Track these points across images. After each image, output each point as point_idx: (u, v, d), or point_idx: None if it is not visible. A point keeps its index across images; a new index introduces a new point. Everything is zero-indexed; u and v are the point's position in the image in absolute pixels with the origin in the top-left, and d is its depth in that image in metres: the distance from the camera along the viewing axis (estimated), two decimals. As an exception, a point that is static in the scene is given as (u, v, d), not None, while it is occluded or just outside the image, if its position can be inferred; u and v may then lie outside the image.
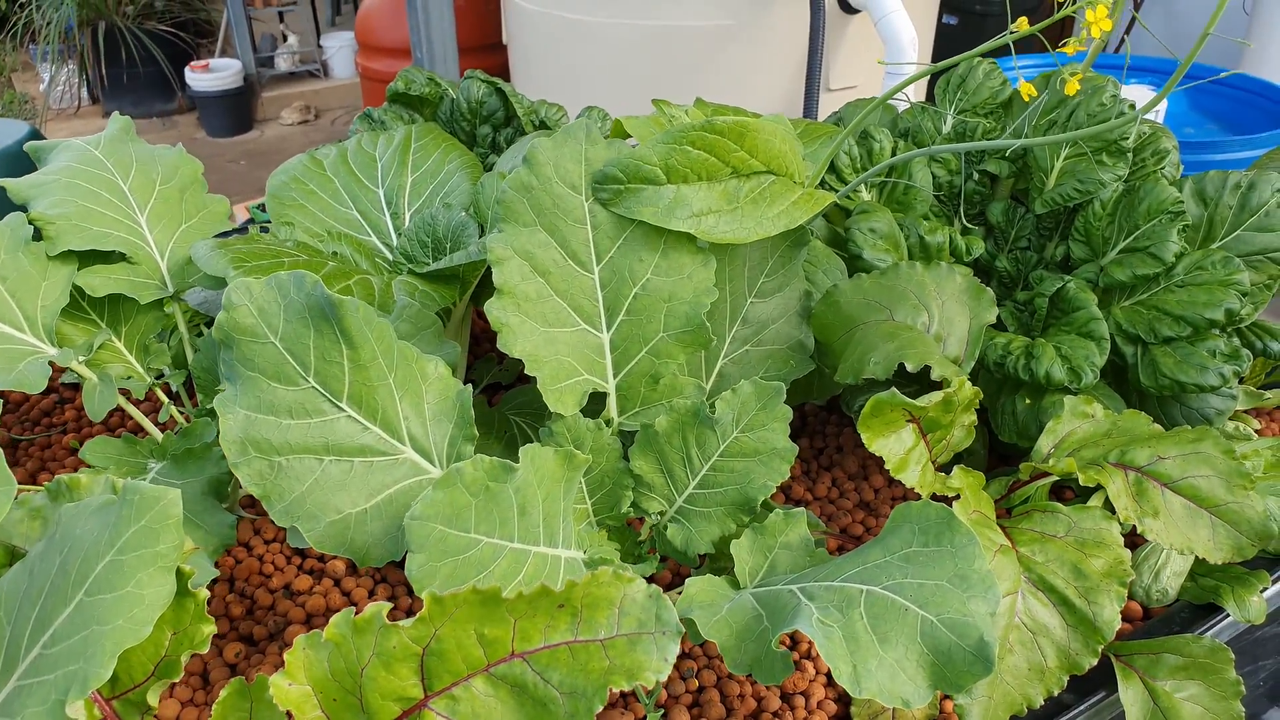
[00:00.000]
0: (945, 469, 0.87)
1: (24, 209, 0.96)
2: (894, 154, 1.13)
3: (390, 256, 1.22)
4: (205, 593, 0.58)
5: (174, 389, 1.03)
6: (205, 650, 0.58)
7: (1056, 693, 0.71)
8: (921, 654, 0.63)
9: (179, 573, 0.57)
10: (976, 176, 1.15)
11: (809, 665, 0.90)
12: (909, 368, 0.77)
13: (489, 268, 1.16)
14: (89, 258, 0.96)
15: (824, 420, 1.21)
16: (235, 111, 5.83)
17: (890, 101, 1.18)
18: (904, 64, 2.41)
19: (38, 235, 0.94)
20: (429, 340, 0.89)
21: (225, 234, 1.11)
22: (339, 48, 6.63)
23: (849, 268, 0.98)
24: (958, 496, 0.76)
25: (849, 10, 2.58)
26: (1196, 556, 0.89)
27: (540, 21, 2.78)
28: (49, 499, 0.66)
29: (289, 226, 1.18)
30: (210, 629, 0.58)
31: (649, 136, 0.84)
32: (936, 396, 0.74)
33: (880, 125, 1.18)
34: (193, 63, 5.99)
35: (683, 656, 0.91)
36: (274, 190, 1.22)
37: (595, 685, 0.54)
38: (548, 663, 0.56)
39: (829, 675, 0.90)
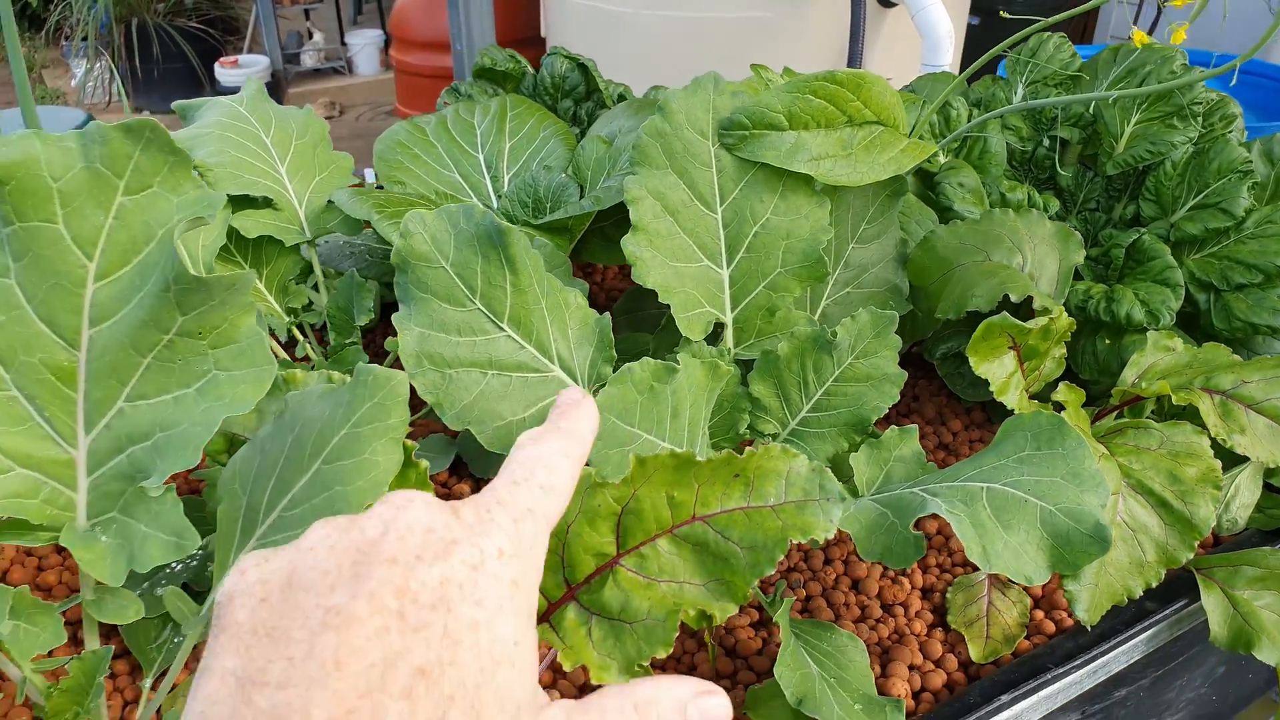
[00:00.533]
0: (1037, 398, 0.95)
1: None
2: (969, 120, 1.21)
3: (492, 216, 1.30)
4: (426, 464, 0.66)
5: (306, 330, 1.11)
6: (427, 513, 0.66)
7: (1154, 584, 0.79)
8: (1041, 538, 0.71)
9: (404, 445, 0.65)
10: (1047, 143, 1.23)
11: (905, 580, 0.98)
12: (1013, 298, 0.85)
13: (590, 225, 1.25)
14: (240, 203, 1.04)
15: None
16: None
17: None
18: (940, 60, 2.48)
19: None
20: (561, 276, 0.97)
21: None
22: (363, 45, 6.73)
23: (940, 220, 1.06)
24: (1060, 410, 0.84)
25: (886, 4, 2.65)
26: (1264, 489, 0.97)
27: (579, 13, 2.85)
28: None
29: (400, 185, 1.27)
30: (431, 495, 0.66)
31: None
32: (1041, 321, 0.82)
33: (954, 94, 1.26)
34: (222, 58, 6.09)
35: (791, 569, 0.99)
36: (380, 154, 1.30)
37: (774, 539, 0.62)
38: (726, 524, 0.64)
39: (924, 590, 0.98)
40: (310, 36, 6.80)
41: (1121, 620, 0.89)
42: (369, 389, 0.64)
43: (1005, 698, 0.82)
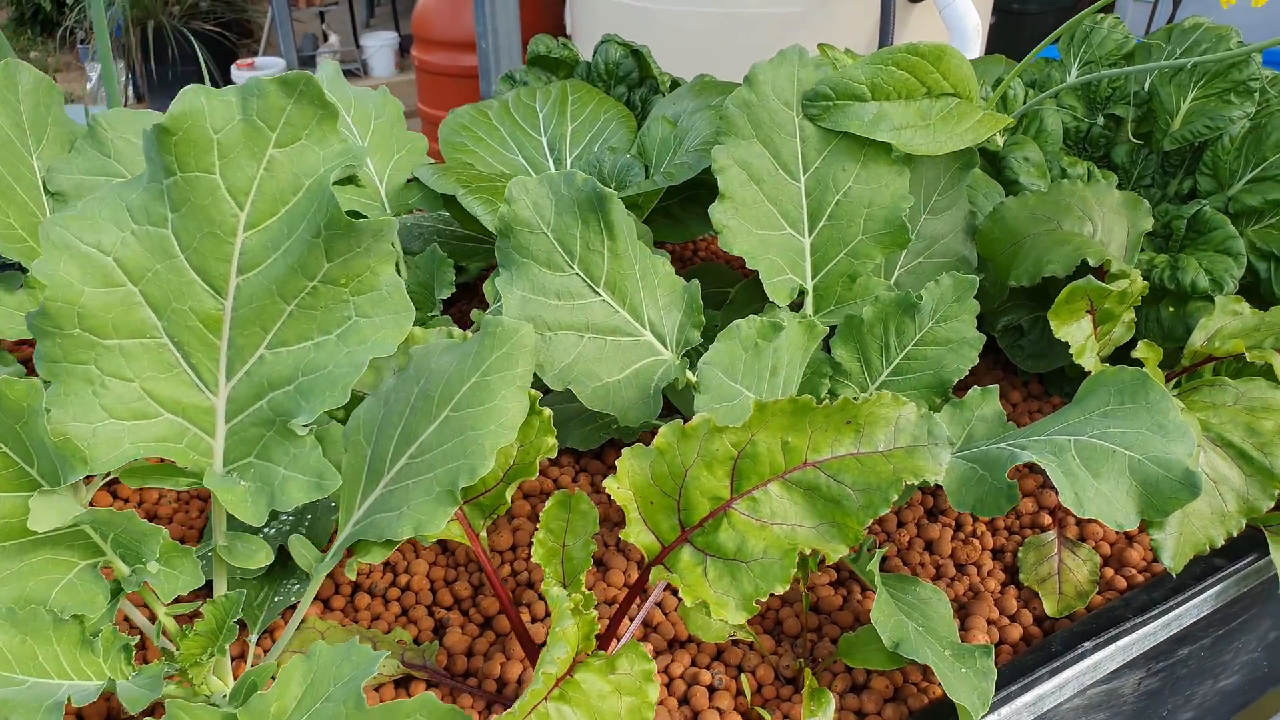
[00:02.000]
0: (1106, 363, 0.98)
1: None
2: (1025, 100, 1.24)
3: (555, 197, 1.33)
4: (549, 411, 0.69)
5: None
6: (553, 456, 0.69)
7: (1235, 534, 0.82)
8: (1130, 485, 0.74)
9: (529, 394, 0.68)
10: (1102, 121, 1.25)
11: (975, 541, 1.01)
12: (1091, 263, 0.87)
13: (658, 202, 1.28)
14: (325, 179, 1.07)
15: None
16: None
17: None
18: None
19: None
20: (645, 245, 1.00)
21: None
22: (378, 47, 6.75)
23: (1006, 193, 1.09)
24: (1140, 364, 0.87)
25: (915, -2, 2.68)
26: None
27: (604, 9, 2.87)
28: (380, 350, 0.77)
29: (466, 167, 1.30)
30: (553, 441, 0.70)
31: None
32: (1121, 283, 0.84)
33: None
34: (239, 61, 6.13)
35: (870, 531, 1.01)
36: (445, 136, 1.33)
37: (887, 481, 0.65)
38: (838, 468, 0.67)
39: (994, 551, 1.00)
40: (325, 39, 6.83)
41: (1192, 575, 0.92)
42: (497, 339, 0.67)
43: (1088, 644, 0.84)
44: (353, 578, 0.69)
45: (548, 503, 0.71)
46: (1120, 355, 1.00)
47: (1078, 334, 0.88)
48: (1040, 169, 1.09)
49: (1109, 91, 1.24)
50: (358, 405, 0.74)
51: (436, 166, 1.06)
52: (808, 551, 0.66)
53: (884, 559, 0.98)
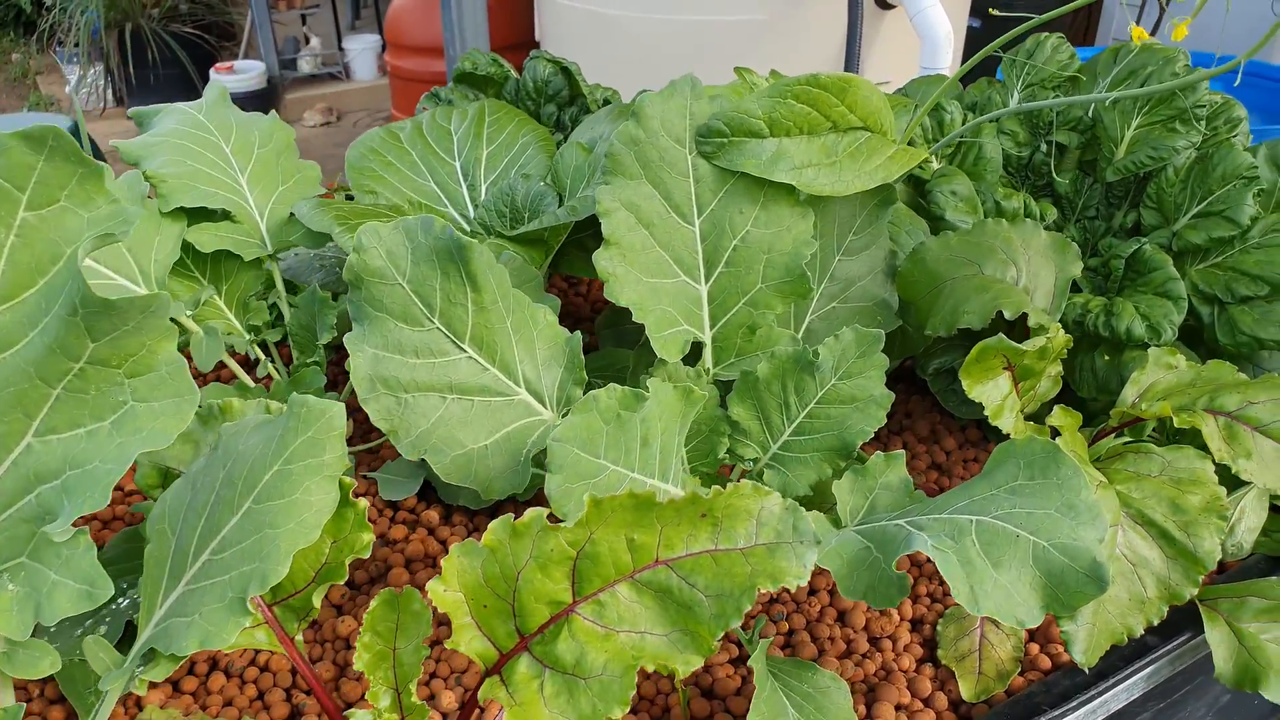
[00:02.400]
0: (1032, 419, 0.90)
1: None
2: (963, 124, 1.16)
3: (468, 227, 1.26)
4: (365, 503, 0.61)
5: (269, 346, 1.06)
6: (366, 556, 0.61)
7: (1156, 622, 0.74)
8: (1034, 577, 0.66)
9: (340, 484, 0.60)
10: (1044, 148, 1.18)
11: (893, 612, 0.93)
12: (1006, 315, 0.80)
13: (568, 235, 1.20)
14: (196, 215, 0.99)
15: (891, 386, 1.23)
16: (259, 113, 5.88)
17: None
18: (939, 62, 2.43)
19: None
20: (531, 293, 0.92)
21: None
22: (360, 50, 6.68)
23: (931, 229, 1.01)
24: (1055, 435, 0.79)
25: (885, 6, 2.61)
26: (1269, 511, 0.92)
27: (573, 17, 2.81)
28: (199, 423, 0.69)
29: (372, 195, 1.22)
30: (370, 537, 0.62)
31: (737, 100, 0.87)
32: (1038, 341, 0.77)
33: (948, 97, 1.21)
34: (218, 64, 6.05)
35: (773, 601, 0.93)
36: (353, 161, 1.26)
37: (741, 587, 0.57)
38: (691, 569, 0.59)
39: (914, 621, 0.93)
40: (307, 41, 6.76)
41: (1120, 656, 0.84)
42: (302, 422, 0.59)
43: (1000, 741, 0.77)
44: (143, 693, 0.61)
45: (373, 602, 0.63)
46: (1050, 409, 0.92)
47: (993, 393, 0.80)
48: (970, 203, 1.02)
49: (1051, 116, 1.16)
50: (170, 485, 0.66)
51: (316, 201, 0.98)
52: (652, 667, 0.58)
53: (790, 632, 0.91)
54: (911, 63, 2.54)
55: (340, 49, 6.77)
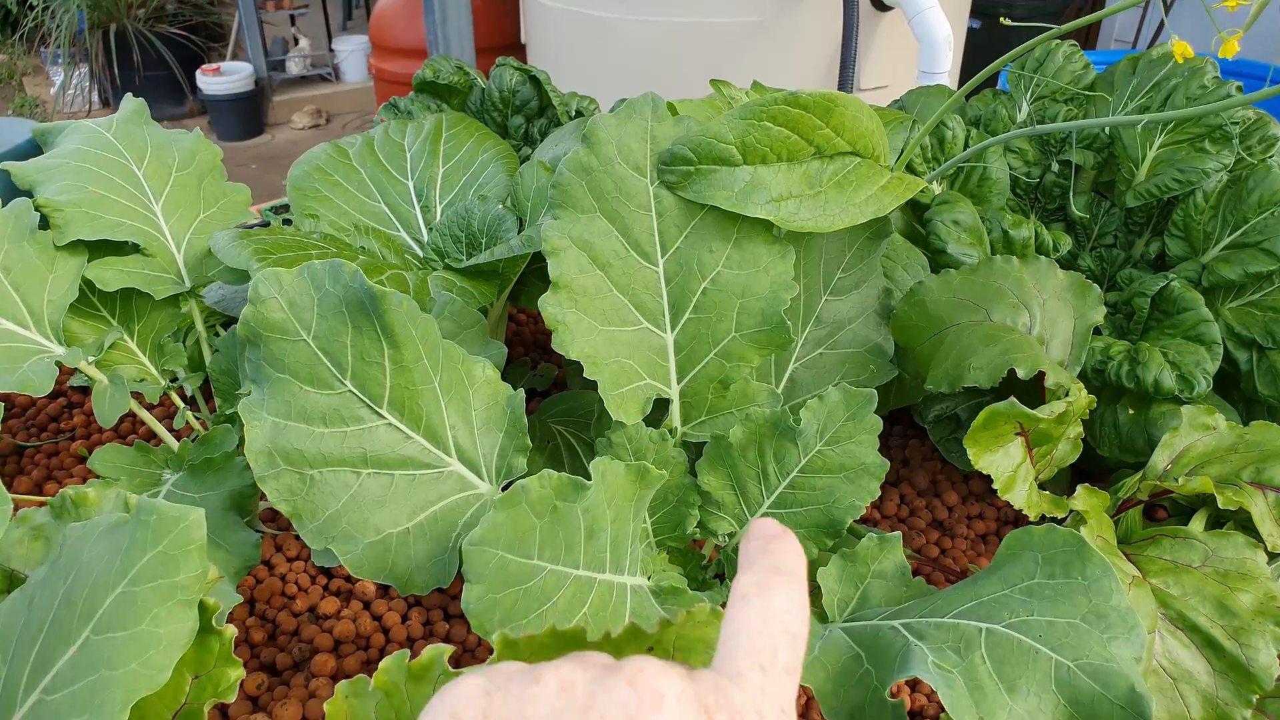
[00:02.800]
0: (1044, 487, 0.78)
1: (29, 196, 0.88)
2: (967, 143, 1.04)
3: (421, 253, 1.14)
4: (232, 630, 0.49)
5: (190, 393, 0.95)
6: (232, 699, 0.49)
7: (1200, 746, 0.62)
8: (1058, 705, 0.55)
9: (202, 606, 0.49)
10: (1056, 168, 1.06)
11: None
12: (1020, 374, 0.68)
13: (529, 265, 1.09)
14: (100, 249, 0.87)
15: (886, 431, 1.12)
16: (246, 115, 5.78)
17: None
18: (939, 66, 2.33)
19: (44, 223, 0.86)
20: (473, 340, 0.81)
21: (247, 227, 1.03)
22: (351, 51, 6.58)
23: (931, 263, 0.90)
24: (1068, 516, 0.68)
25: (881, 8, 2.50)
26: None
27: (561, 19, 2.70)
28: (52, 516, 0.57)
29: (313, 219, 1.10)
30: (238, 673, 0.50)
31: (707, 120, 0.76)
32: (1058, 407, 0.65)
33: (950, 112, 1.10)
34: (204, 66, 5.95)
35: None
36: (295, 181, 1.14)
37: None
38: (636, 717, 0.47)
39: (912, 714, 0.81)
40: (296, 43, 6.65)
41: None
42: (152, 533, 0.47)
43: None
44: None
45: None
46: (1068, 474, 0.81)
47: (1003, 464, 0.69)
48: (974, 233, 0.90)
49: (1063, 133, 1.05)
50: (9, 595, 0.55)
51: (235, 232, 0.87)
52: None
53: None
54: (909, 67, 2.43)
55: (330, 50, 6.67)
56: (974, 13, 4.29)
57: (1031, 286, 0.79)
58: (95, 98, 6.30)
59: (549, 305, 0.73)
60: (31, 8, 6.08)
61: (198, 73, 5.86)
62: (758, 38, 2.49)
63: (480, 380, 0.72)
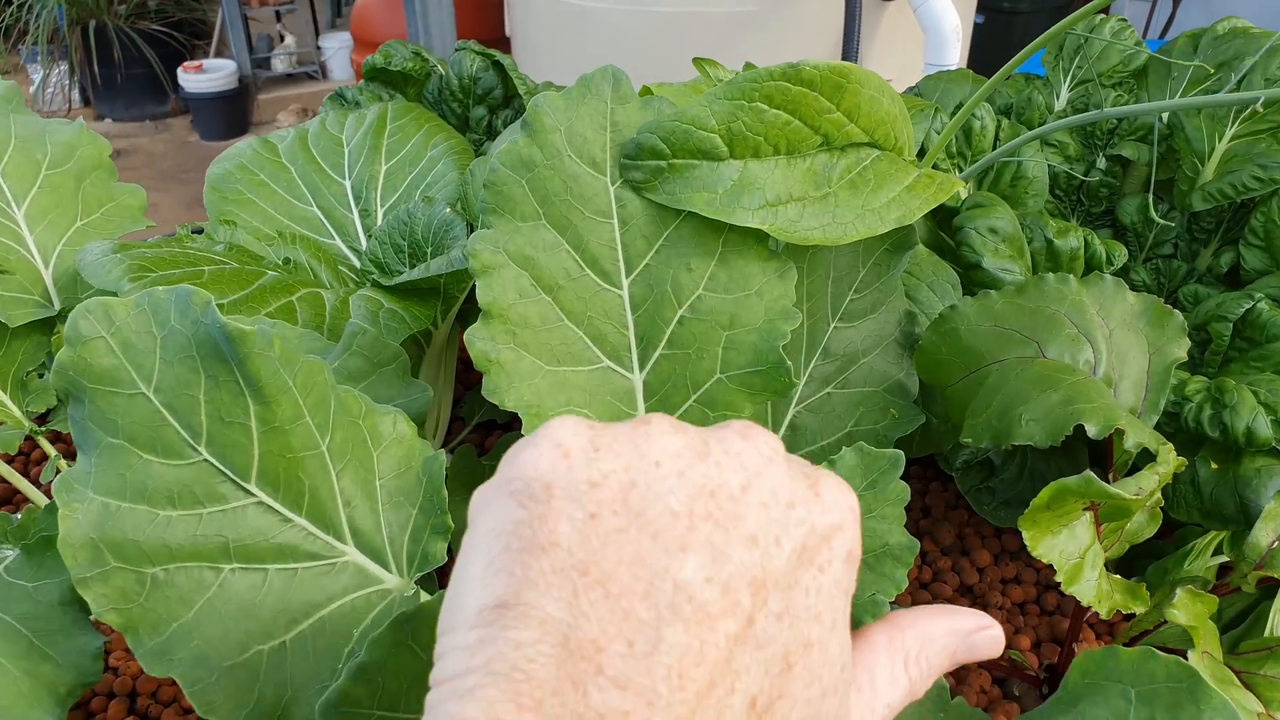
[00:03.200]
0: (1110, 566, 0.62)
1: None
2: (998, 136, 0.88)
3: (358, 264, 0.98)
4: None
5: (62, 436, 0.78)
6: None
7: None
8: None
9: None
10: (1103, 164, 0.90)
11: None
12: (1091, 432, 0.52)
13: (480, 279, 0.92)
14: (-61, 265, 0.71)
15: (905, 472, 0.96)
16: (230, 114, 5.63)
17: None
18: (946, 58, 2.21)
19: None
20: (390, 381, 0.64)
21: (145, 237, 0.87)
22: (337, 49, 6.45)
23: (962, 281, 0.73)
24: (1158, 628, 0.51)
25: (885, -4, 2.37)
26: None
27: (547, 10, 2.57)
28: None
29: (229, 226, 0.94)
30: None
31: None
32: (1148, 483, 0.49)
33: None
34: (185, 63, 5.79)
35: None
36: (213, 182, 0.98)
37: None
38: None
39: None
40: (281, 40, 6.51)
41: None
42: None
43: None
44: None
45: None
46: (1137, 552, 0.64)
47: (1069, 548, 0.53)
48: (1015, 244, 0.74)
49: (1113, 123, 0.89)
50: None
51: (110, 245, 0.70)
52: None
53: None
54: (915, 59, 2.30)
55: (317, 47, 6.54)
56: (979, 7, 4.15)
57: (1094, 313, 0.62)
58: (76, 96, 6.16)
59: (478, 340, 0.56)
60: (9, 3, 5.92)
61: (179, 70, 5.71)
62: (754, 29, 2.37)
63: (389, 439, 0.55)
